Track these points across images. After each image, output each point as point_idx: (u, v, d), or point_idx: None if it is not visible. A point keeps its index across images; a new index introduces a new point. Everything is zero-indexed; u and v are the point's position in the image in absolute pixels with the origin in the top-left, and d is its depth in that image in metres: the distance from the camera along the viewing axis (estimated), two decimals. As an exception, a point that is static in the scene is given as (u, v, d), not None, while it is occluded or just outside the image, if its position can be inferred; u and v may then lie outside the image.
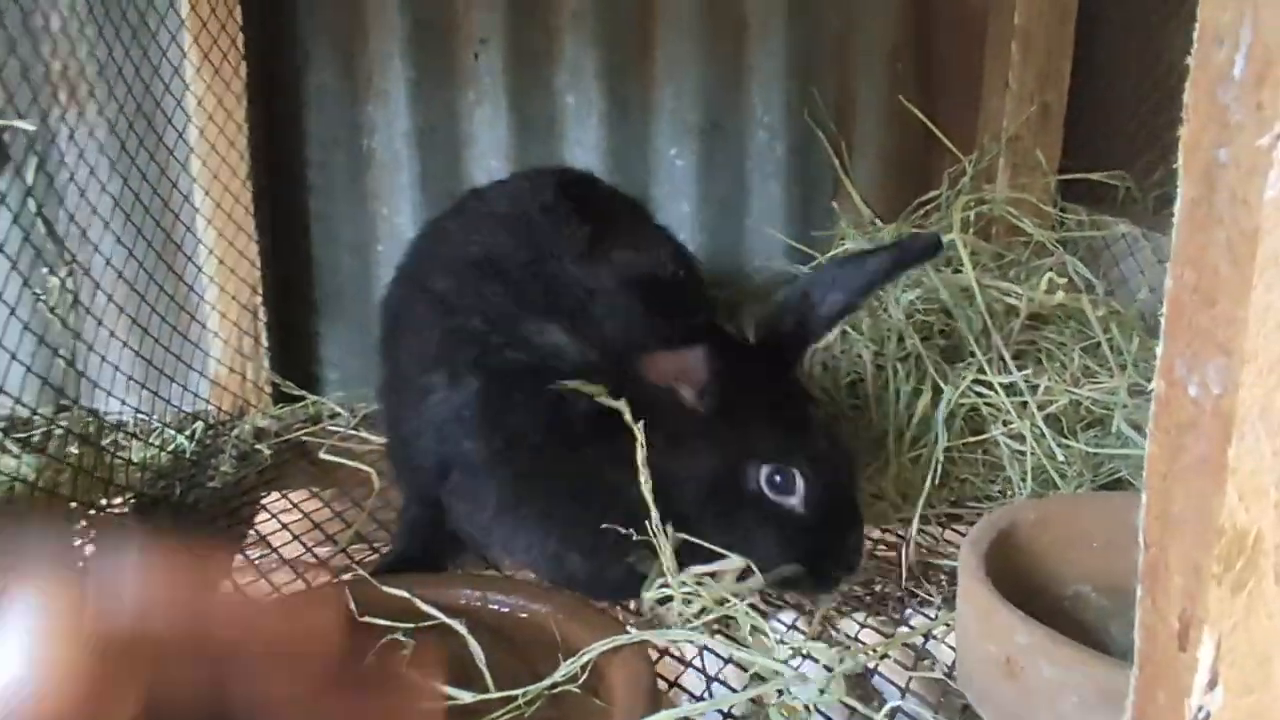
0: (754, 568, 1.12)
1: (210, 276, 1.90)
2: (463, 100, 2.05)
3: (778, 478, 1.16)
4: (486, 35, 2.01)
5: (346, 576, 1.18)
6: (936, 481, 1.44)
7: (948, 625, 1.28)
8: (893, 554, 1.41)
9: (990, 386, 1.50)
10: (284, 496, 1.62)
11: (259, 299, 1.93)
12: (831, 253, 1.89)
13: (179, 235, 1.91)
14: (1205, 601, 0.61)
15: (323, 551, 1.46)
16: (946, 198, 1.99)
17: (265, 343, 1.95)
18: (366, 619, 1.04)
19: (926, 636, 1.28)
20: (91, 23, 1.73)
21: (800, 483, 1.16)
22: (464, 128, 2.06)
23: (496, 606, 1.08)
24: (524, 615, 1.07)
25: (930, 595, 1.37)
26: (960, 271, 1.62)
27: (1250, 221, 0.59)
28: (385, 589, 1.08)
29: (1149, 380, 1.54)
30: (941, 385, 1.51)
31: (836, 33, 2.09)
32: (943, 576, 1.41)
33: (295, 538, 1.49)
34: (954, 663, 1.23)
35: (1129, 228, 1.75)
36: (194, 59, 1.81)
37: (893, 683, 1.17)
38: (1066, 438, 1.50)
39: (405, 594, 1.08)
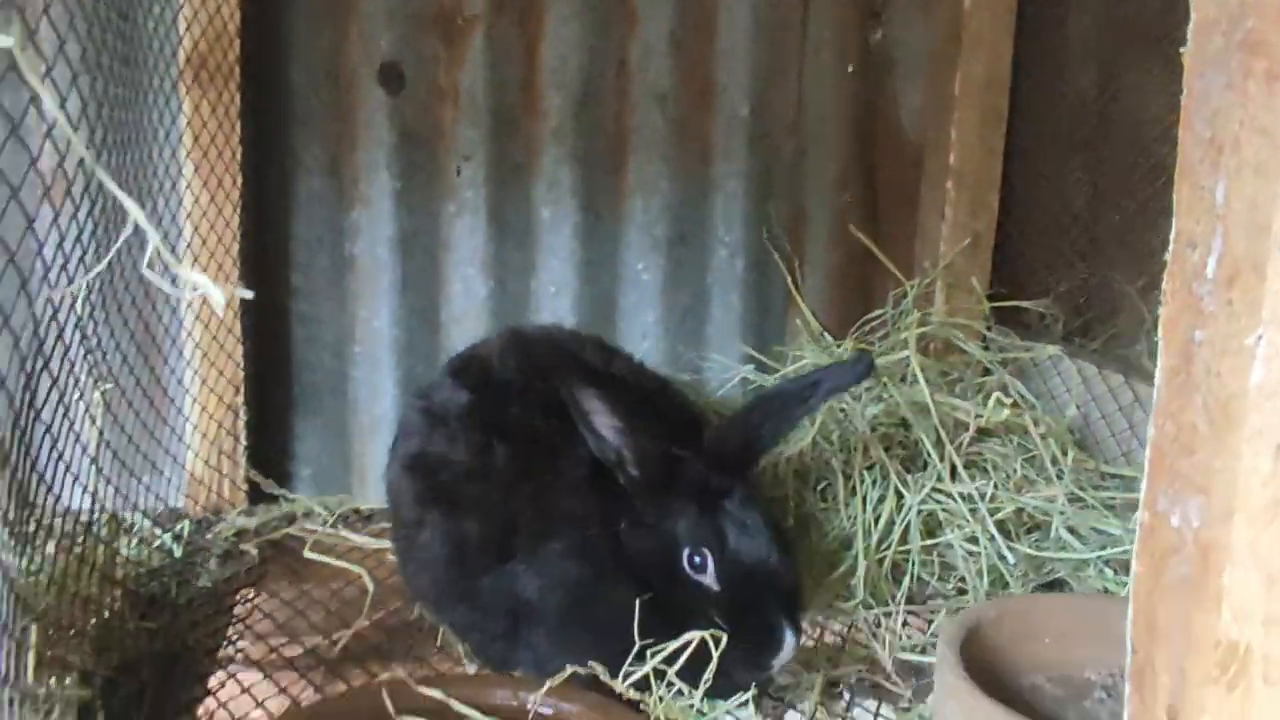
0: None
1: (194, 375, 1.93)
2: (444, 210, 2.16)
3: (696, 558, 1.30)
4: (470, 152, 2.14)
5: (384, 677, 1.23)
6: (906, 581, 1.58)
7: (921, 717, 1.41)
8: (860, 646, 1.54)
9: (946, 494, 1.66)
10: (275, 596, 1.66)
11: (240, 398, 1.98)
12: (789, 367, 2.05)
13: (159, 334, 1.95)
14: (1200, 700, 0.74)
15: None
16: (891, 316, 2.17)
17: (244, 441, 1.99)
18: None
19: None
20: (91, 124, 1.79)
21: (711, 562, 1.29)
22: (444, 236, 2.17)
23: (531, 707, 1.16)
24: (558, 715, 1.15)
25: (899, 687, 1.50)
26: (916, 387, 1.79)
27: (1223, 391, 0.75)
28: (422, 689, 1.15)
29: (1081, 489, 1.73)
30: (904, 492, 1.66)
31: (791, 159, 2.29)
32: (910, 669, 1.53)
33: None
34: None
35: (1055, 350, 1.95)
36: (191, 162, 1.88)
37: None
38: (1013, 541, 1.66)
39: (441, 695, 1.15)
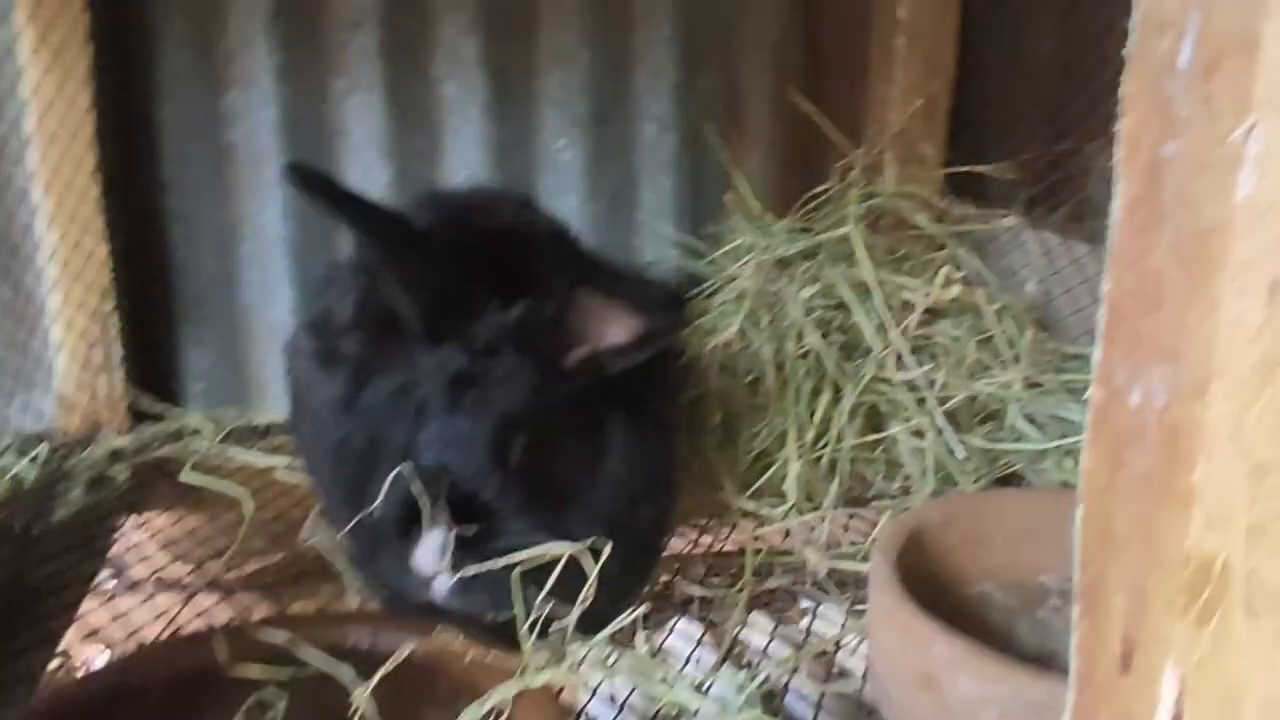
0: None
1: (54, 281, 1.72)
2: (334, 87, 1.91)
3: None
4: (359, 18, 1.88)
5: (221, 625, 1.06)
6: (835, 482, 1.42)
7: (857, 635, 1.26)
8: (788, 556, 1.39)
9: (889, 383, 1.49)
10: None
11: (110, 306, 1.76)
12: (724, 249, 1.85)
13: (16, 236, 1.73)
14: (1163, 632, 0.57)
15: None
16: (836, 191, 1.97)
17: (119, 354, 1.78)
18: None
19: (837, 646, 1.25)
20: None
21: None
22: (336, 117, 1.93)
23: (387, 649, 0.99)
24: (418, 657, 0.98)
25: (833, 595, 1.34)
26: (856, 266, 1.60)
27: (1199, 221, 0.56)
28: (263, 637, 0.97)
29: (1042, 373, 1.55)
30: (840, 384, 1.49)
31: (723, 22, 2.04)
32: (845, 576, 1.38)
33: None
34: (865, 675, 1.20)
35: (1014, 220, 1.77)
36: (29, 40, 1.63)
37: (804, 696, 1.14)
38: (964, 433, 1.50)
39: (284, 641, 0.97)
